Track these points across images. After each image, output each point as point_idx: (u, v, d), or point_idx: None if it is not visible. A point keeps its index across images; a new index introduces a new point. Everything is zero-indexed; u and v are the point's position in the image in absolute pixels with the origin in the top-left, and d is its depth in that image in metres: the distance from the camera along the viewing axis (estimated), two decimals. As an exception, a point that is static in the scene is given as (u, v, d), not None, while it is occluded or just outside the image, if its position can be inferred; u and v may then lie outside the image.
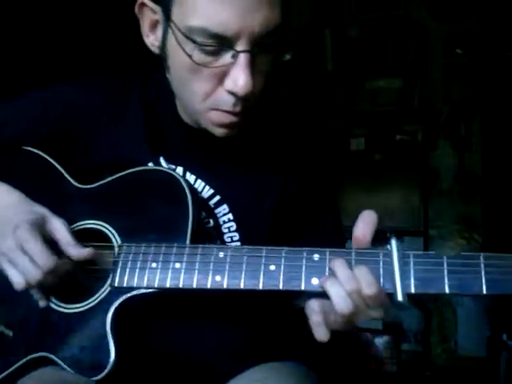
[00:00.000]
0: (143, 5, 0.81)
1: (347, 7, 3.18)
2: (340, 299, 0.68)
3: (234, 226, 0.89)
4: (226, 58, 0.75)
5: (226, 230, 0.89)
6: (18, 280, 0.79)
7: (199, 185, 0.89)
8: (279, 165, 0.91)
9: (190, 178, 0.89)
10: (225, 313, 0.87)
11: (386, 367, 2.93)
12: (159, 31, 0.81)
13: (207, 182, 0.89)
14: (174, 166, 0.89)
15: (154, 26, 0.82)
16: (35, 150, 0.94)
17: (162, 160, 0.90)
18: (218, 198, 0.89)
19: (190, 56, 0.75)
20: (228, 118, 0.80)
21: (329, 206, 0.95)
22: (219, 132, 0.82)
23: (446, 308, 3.04)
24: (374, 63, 3.11)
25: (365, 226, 0.71)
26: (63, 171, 0.92)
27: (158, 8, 0.79)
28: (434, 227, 3.04)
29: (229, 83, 0.76)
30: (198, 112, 0.82)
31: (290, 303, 0.84)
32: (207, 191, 0.89)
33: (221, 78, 0.76)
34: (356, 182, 3.06)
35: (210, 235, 0.87)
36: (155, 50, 0.83)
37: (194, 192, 0.85)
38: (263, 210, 0.90)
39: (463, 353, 2.98)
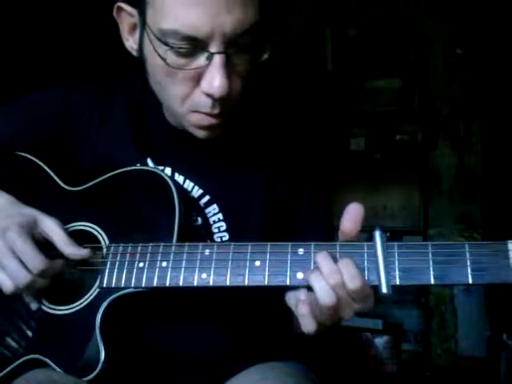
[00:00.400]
0: (120, 9, 0.81)
1: (347, 7, 3.18)
2: (323, 292, 0.68)
3: (223, 225, 0.89)
4: (201, 59, 0.75)
5: (216, 230, 0.89)
6: (6, 284, 0.79)
7: (188, 185, 0.89)
8: (266, 163, 0.91)
9: (179, 178, 0.89)
10: (219, 312, 0.87)
11: (386, 367, 2.93)
12: (137, 34, 0.81)
13: (196, 183, 0.89)
14: (162, 167, 0.89)
15: (132, 29, 0.82)
16: (24, 154, 0.94)
17: (149, 161, 0.90)
18: (207, 198, 0.89)
19: (164, 59, 0.75)
20: (207, 121, 0.80)
21: (319, 203, 0.95)
22: (201, 134, 0.82)
23: (446, 308, 3.03)
24: (374, 63, 3.11)
25: (351, 219, 0.70)
26: (52, 173, 0.93)
27: (134, 11, 0.79)
28: (434, 227, 3.04)
29: (204, 85, 0.75)
30: (179, 115, 0.82)
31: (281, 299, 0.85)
32: (196, 191, 0.89)
33: (197, 80, 0.76)
34: (356, 182, 3.06)
35: (198, 233, 0.87)
36: (134, 53, 0.83)
37: (181, 190, 0.86)
38: (253, 210, 0.90)
39: (463, 353, 2.98)
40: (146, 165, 0.90)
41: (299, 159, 0.94)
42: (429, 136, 3.05)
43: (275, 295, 0.84)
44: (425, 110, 3.04)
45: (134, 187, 0.86)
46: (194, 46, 0.74)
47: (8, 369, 0.84)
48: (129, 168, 0.87)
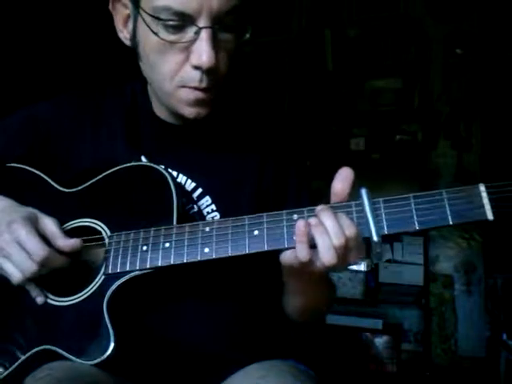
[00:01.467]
0: (116, 1, 0.88)
1: (347, 7, 3.18)
2: (325, 249, 0.71)
3: (217, 215, 0.92)
4: (190, 34, 0.81)
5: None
6: (14, 273, 0.81)
7: (181, 179, 0.93)
8: (255, 154, 0.95)
9: (172, 173, 0.92)
10: (224, 307, 0.89)
11: (386, 367, 2.93)
12: (130, 24, 0.87)
13: (188, 176, 0.93)
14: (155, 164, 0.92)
15: (126, 20, 0.89)
16: (18, 165, 0.97)
17: (143, 158, 0.93)
18: (200, 190, 0.92)
19: (156, 33, 0.81)
20: (195, 94, 0.85)
21: (304, 189, 0.98)
22: (189, 111, 0.87)
23: (446, 308, 3.04)
24: (374, 63, 3.11)
25: (343, 180, 0.75)
26: (48, 179, 0.95)
27: (128, 2, 0.86)
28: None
29: (193, 58, 0.81)
30: (168, 93, 0.87)
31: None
32: (189, 185, 0.93)
33: (186, 54, 0.82)
34: (356, 181, 3.05)
35: (195, 219, 0.89)
36: (128, 42, 0.89)
37: (176, 180, 0.89)
38: (244, 199, 0.93)
39: (463, 353, 2.98)
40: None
41: (285, 150, 0.98)
42: (429, 136, 3.05)
43: (279, 288, 0.89)
44: (425, 110, 3.05)
45: (130, 182, 0.89)
46: (184, 20, 0.80)
47: (19, 361, 0.85)
48: (124, 165, 0.90)
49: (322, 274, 0.78)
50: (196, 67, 0.82)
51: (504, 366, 2.52)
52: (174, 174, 0.92)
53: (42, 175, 0.95)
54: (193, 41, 0.81)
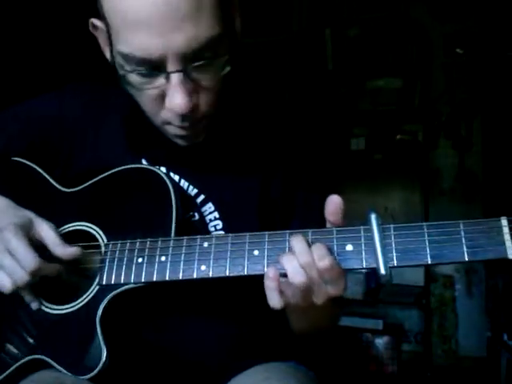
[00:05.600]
0: (94, 24, 0.83)
1: (347, 7, 3.17)
2: (294, 270, 0.69)
3: (220, 224, 0.89)
4: (160, 79, 0.75)
5: (212, 229, 0.89)
6: (5, 283, 0.79)
7: (183, 184, 0.90)
8: (261, 163, 0.92)
9: (174, 177, 0.90)
10: (221, 310, 0.87)
11: (387, 368, 2.93)
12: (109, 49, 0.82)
13: (191, 182, 0.90)
14: (157, 167, 0.89)
15: (107, 43, 0.82)
16: (19, 159, 0.95)
17: (143, 161, 0.91)
18: (202, 197, 0.89)
19: (128, 80, 0.77)
20: (182, 132, 0.81)
21: (314, 203, 0.94)
22: (179, 142, 0.84)
23: (446, 308, 3.03)
24: (374, 63, 3.11)
25: (334, 213, 0.71)
26: (48, 177, 0.93)
27: (104, 28, 0.80)
28: (435, 227, 3.03)
29: (167, 103, 0.76)
30: (157, 126, 0.84)
31: None
32: (191, 190, 0.90)
33: (162, 97, 0.77)
34: (356, 181, 3.05)
35: (196, 228, 0.87)
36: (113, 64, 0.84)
37: (177, 186, 0.86)
38: (248, 208, 0.90)
39: (464, 353, 2.98)
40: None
41: (294, 158, 0.94)
42: (429, 136, 3.05)
43: None
44: (425, 109, 3.04)
45: (130, 185, 0.87)
46: (151, 67, 0.74)
47: (10, 370, 0.83)
48: (124, 167, 0.88)
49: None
50: (173, 111, 0.77)
51: (505, 367, 2.51)
52: (176, 178, 0.90)
53: (42, 172, 0.93)
54: (165, 85, 0.75)
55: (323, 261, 0.68)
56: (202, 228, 0.88)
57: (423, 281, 2.97)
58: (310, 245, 0.70)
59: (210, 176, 0.90)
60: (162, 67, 0.74)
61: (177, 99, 0.74)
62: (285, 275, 0.71)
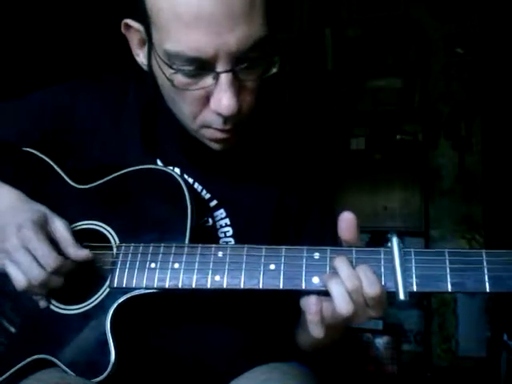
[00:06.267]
0: (128, 25, 0.80)
1: (347, 7, 3.17)
2: (341, 299, 0.67)
3: (230, 231, 0.88)
4: (208, 79, 0.73)
5: (222, 235, 0.88)
6: (19, 279, 0.78)
7: (197, 187, 0.89)
8: (278, 175, 0.91)
9: (188, 179, 0.89)
10: (226, 313, 0.87)
11: (387, 368, 2.93)
12: (146, 50, 0.80)
13: (204, 186, 0.89)
14: (171, 167, 0.88)
15: (141, 44, 0.81)
16: (32, 150, 0.93)
17: (158, 162, 0.89)
18: (215, 202, 0.88)
19: (171, 81, 0.74)
20: (221, 135, 0.80)
21: (328, 219, 0.93)
22: (215, 147, 0.82)
23: (446, 308, 3.03)
24: (374, 63, 3.11)
25: (348, 229, 0.70)
26: (60, 171, 0.92)
27: (141, 27, 0.78)
28: (435, 227, 3.04)
29: (213, 104, 0.74)
30: (192, 130, 0.82)
31: (291, 302, 0.83)
32: (205, 194, 0.89)
33: (206, 98, 0.75)
34: (356, 181, 3.05)
35: (208, 234, 0.86)
36: (145, 68, 0.82)
37: (193, 191, 0.85)
38: (261, 218, 0.89)
39: (464, 353, 2.98)
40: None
41: (311, 174, 0.94)
42: (429, 136, 3.05)
43: (280, 296, 0.84)
44: (425, 109, 3.04)
45: (145, 186, 0.85)
46: (200, 66, 0.72)
47: (15, 368, 0.82)
48: (138, 167, 0.86)
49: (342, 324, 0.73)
50: (218, 113, 0.75)
51: (505, 367, 2.51)
52: (190, 181, 0.88)
53: (54, 166, 0.92)
54: (211, 86, 0.73)
55: (373, 288, 0.67)
56: (213, 233, 0.87)
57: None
58: (352, 265, 0.69)
59: (226, 182, 0.89)
60: (211, 67, 0.72)
61: (224, 100, 0.73)
62: (324, 294, 0.69)
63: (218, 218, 0.88)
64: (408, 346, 3.04)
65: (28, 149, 0.93)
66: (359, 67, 3.13)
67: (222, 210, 0.88)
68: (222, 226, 0.88)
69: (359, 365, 2.91)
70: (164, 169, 0.85)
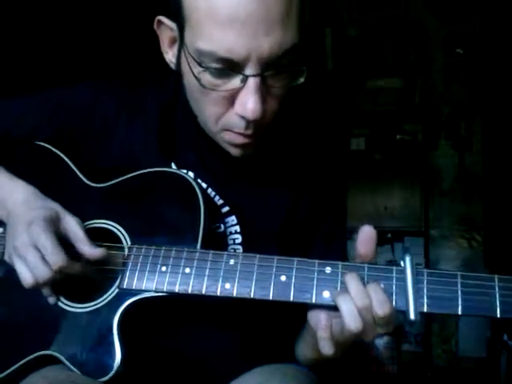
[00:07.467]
0: (160, 22, 0.81)
1: (347, 7, 3.17)
2: (351, 316, 0.67)
3: (239, 238, 0.88)
4: (235, 81, 0.73)
5: (230, 242, 0.88)
6: (26, 277, 0.78)
7: (210, 193, 0.89)
8: (289, 184, 0.91)
9: (202, 184, 0.88)
10: (229, 316, 0.87)
11: (387, 368, 2.93)
12: (176, 48, 0.80)
13: (217, 192, 0.89)
14: (184, 171, 0.88)
15: (171, 42, 0.82)
16: (47, 145, 0.93)
17: (173, 165, 0.90)
18: (227, 208, 0.88)
19: (198, 79, 0.74)
20: (241, 140, 0.79)
21: (338, 233, 0.94)
22: (234, 151, 0.82)
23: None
24: (374, 63, 3.11)
25: (366, 242, 0.71)
26: (75, 168, 0.92)
27: (174, 25, 0.79)
28: (435, 227, 3.04)
29: (238, 107, 0.74)
30: (213, 132, 0.82)
31: (295, 309, 0.84)
32: (217, 200, 0.89)
33: (231, 100, 0.75)
34: (356, 181, 3.05)
35: (218, 240, 0.86)
36: (173, 66, 0.83)
37: (206, 196, 0.85)
38: (270, 228, 0.89)
39: (464, 353, 2.98)
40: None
41: (325, 185, 0.93)
42: (429, 136, 3.05)
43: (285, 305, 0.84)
44: (425, 109, 3.04)
45: (159, 189, 0.85)
46: (230, 67, 0.72)
47: (19, 363, 0.82)
48: (153, 169, 0.86)
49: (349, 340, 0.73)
50: (241, 116, 0.75)
51: (505, 367, 2.51)
52: (203, 186, 0.88)
53: (69, 162, 0.92)
54: (238, 88, 0.73)
55: (383, 308, 0.67)
56: (223, 240, 0.87)
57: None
58: (364, 282, 0.69)
59: (239, 190, 0.89)
60: (240, 69, 0.72)
61: (250, 103, 0.72)
62: (334, 308, 0.69)
63: (229, 224, 0.88)
64: (408, 347, 3.04)
65: (43, 144, 0.94)
66: (359, 67, 3.13)
67: (233, 217, 0.88)
68: (231, 233, 0.88)
69: (359, 365, 2.91)
70: (179, 172, 0.85)
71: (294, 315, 0.84)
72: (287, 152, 0.93)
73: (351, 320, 0.67)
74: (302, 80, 0.77)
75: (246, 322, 0.88)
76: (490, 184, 2.92)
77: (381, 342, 2.94)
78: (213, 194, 0.89)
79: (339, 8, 3.19)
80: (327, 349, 0.71)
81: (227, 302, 0.81)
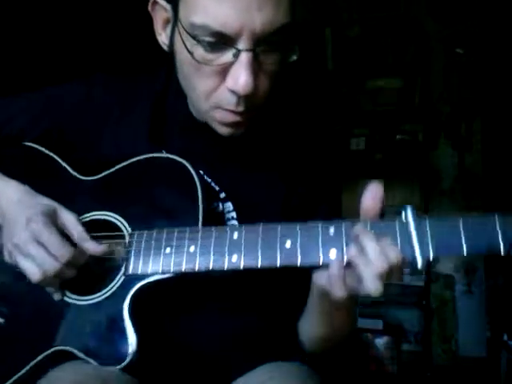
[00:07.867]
0: (155, 3, 0.82)
1: (347, 7, 3.17)
2: (371, 280, 0.66)
3: (236, 224, 0.88)
4: (228, 55, 0.74)
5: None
6: (34, 272, 0.79)
7: (206, 179, 0.89)
8: (285, 171, 0.91)
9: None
10: (238, 307, 0.87)
11: (387, 368, 2.92)
12: (169, 29, 0.82)
13: (213, 179, 0.89)
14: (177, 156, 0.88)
15: (165, 23, 0.83)
16: (34, 145, 0.94)
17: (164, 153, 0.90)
18: (223, 195, 0.88)
19: (191, 53, 0.75)
20: (231, 117, 0.80)
21: (332, 208, 0.94)
22: (224, 131, 0.82)
23: (446, 308, 3.03)
24: (374, 63, 3.11)
25: (373, 197, 0.70)
26: (65, 165, 0.92)
27: (168, 6, 0.80)
28: (435, 227, 3.03)
29: (230, 81, 0.75)
30: (203, 110, 0.82)
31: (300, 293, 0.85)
32: (213, 187, 0.89)
33: (223, 75, 0.76)
34: (356, 181, 3.05)
35: (218, 220, 0.86)
36: (165, 48, 0.84)
37: (201, 176, 0.85)
38: (267, 213, 0.88)
39: (464, 353, 2.98)
40: None
41: (320, 174, 0.93)
42: (429, 136, 3.05)
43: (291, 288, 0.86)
44: (425, 109, 3.04)
45: (152, 174, 0.86)
46: (222, 41, 0.73)
47: (34, 361, 0.82)
48: (144, 156, 0.86)
49: (355, 297, 0.73)
50: (232, 91, 0.76)
51: (505, 367, 2.51)
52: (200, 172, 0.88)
53: (58, 159, 0.92)
54: (230, 62, 0.74)
55: (399, 270, 0.67)
56: (222, 219, 0.87)
57: (423, 281, 2.97)
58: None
59: (234, 176, 0.89)
60: (233, 43, 0.73)
61: (242, 78, 0.73)
62: (347, 265, 0.69)
63: (226, 210, 0.88)
64: (408, 346, 3.04)
65: (32, 144, 0.94)
66: (359, 67, 3.13)
67: (229, 203, 0.88)
68: (228, 220, 0.88)
69: (359, 364, 2.91)
70: (170, 156, 0.85)
71: (297, 299, 0.85)
72: (282, 142, 0.93)
73: (372, 283, 0.66)
74: (294, 57, 0.78)
75: (247, 318, 0.89)
76: (490, 184, 2.92)
77: (381, 342, 2.94)
78: (208, 180, 0.89)
79: (339, 8, 3.20)
80: (339, 291, 0.70)
81: (238, 293, 0.83)
